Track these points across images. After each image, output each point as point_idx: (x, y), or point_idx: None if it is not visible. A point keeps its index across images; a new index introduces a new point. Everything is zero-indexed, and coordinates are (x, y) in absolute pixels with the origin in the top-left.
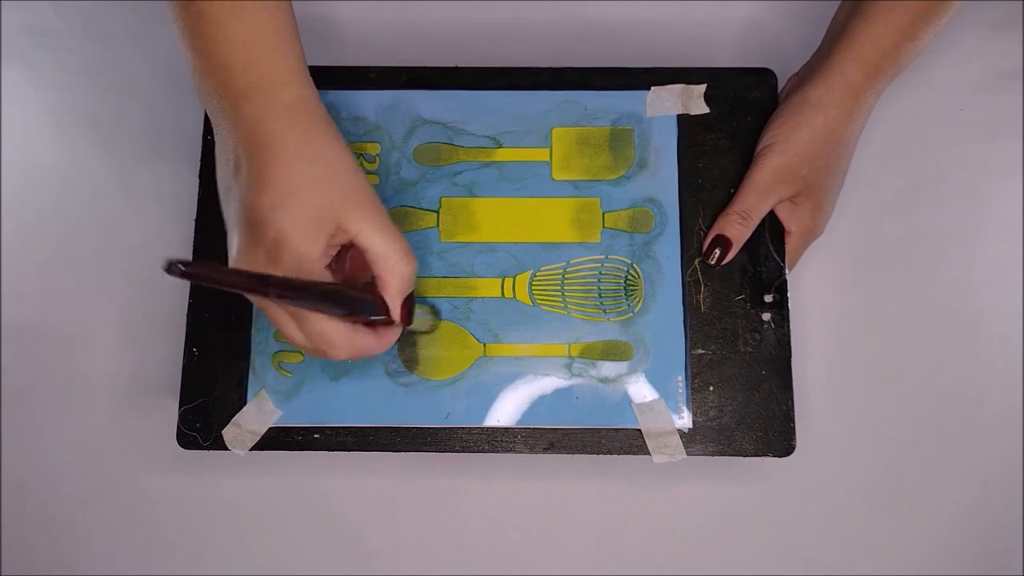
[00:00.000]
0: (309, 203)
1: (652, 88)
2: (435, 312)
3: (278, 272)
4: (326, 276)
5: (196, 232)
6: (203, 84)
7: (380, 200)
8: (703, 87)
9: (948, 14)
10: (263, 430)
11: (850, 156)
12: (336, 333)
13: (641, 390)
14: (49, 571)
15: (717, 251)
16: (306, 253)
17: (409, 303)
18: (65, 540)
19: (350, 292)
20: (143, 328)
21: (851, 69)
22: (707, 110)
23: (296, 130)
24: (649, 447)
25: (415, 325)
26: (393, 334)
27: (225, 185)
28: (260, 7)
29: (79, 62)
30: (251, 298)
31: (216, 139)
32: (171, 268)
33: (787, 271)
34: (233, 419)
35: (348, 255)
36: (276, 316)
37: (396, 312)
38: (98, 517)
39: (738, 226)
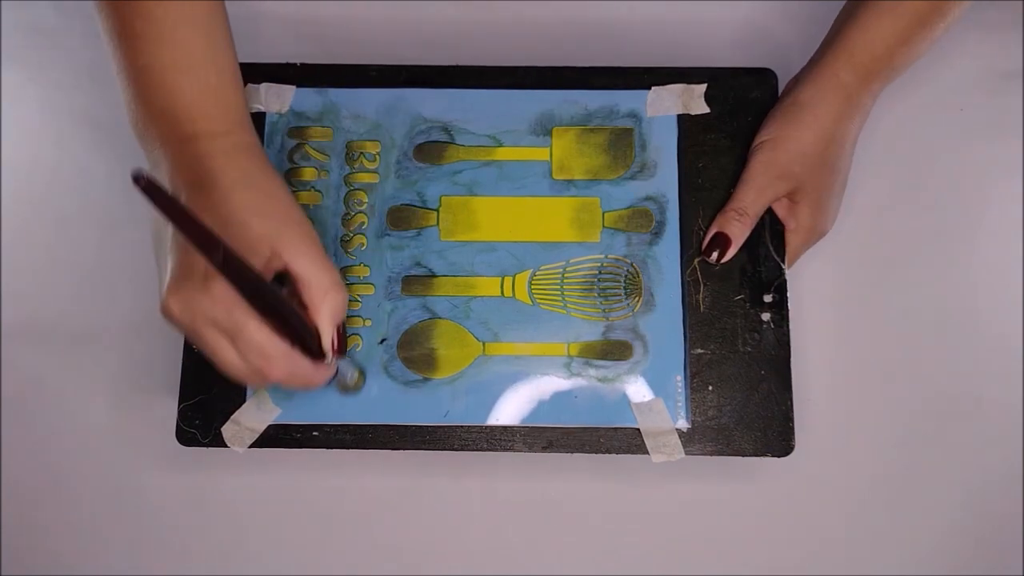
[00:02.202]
0: (245, 229)
1: (652, 88)
2: (363, 371)
3: (208, 302)
4: None
5: None
6: (146, 130)
7: (316, 232)
8: (703, 87)
9: (946, 21)
10: (262, 428)
11: (849, 156)
12: (273, 346)
13: (640, 390)
14: (49, 570)
15: (716, 250)
16: None
17: (341, 335)
18: (64, 538)
19: (288, 301)
20: (143, 326)
21: (843, 71)
22: (707, 110)
23: (235, 165)
24: (648, 446)
25: (343, 378)
26: (327, 368)
27: (159, 223)
28: (206, 64)
29: (79, 62)
30: (186, 333)
31: None
32: (137, 178)
33: (786, 268)
34: (232, 416)
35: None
36: (210, 338)
37: (327, 340)
38: (97, 514)
39: (736, 223)
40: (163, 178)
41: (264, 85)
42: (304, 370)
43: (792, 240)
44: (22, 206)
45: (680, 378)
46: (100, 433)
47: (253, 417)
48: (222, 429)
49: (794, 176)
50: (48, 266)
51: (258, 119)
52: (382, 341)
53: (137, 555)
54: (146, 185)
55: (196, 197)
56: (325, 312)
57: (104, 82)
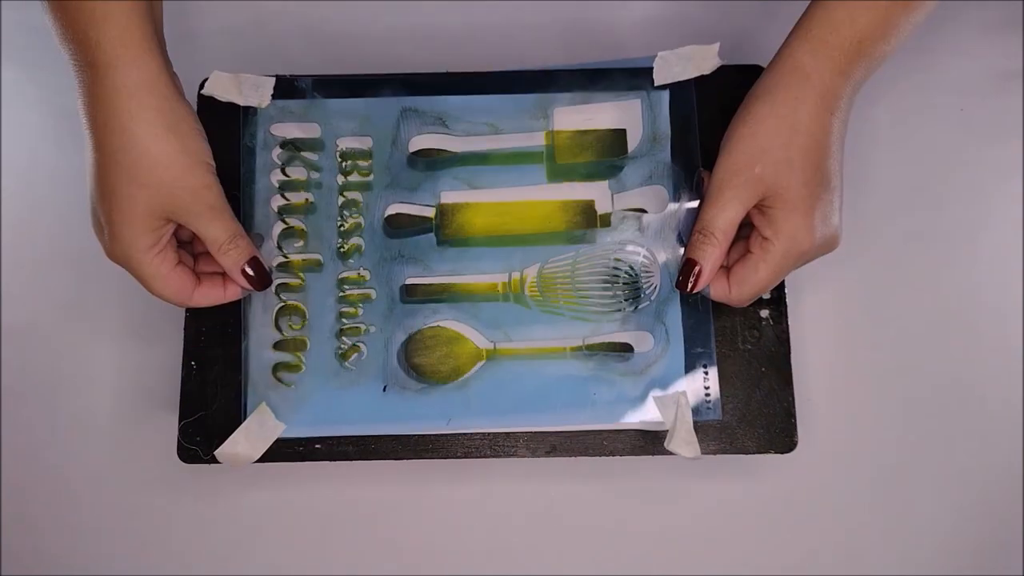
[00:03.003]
0: (133, 198)
1: (659, 54)
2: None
3: (116, 258)
4: (156, 263)
5: None
6: (62, 48)
7: (214, 186)
8: (716, 45)
9: (918, 13)
10: (265, 447)
11: (829, 152)
12: (181, 297)
13: (641, 389)
14: None
15: (692, 279)
16: (134, 246)
17: (259, 266)
18: (66, 556)
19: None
20: (143, 328)
21: (800, 51)
22: (720, 63)
23: (120, 123)
24: (670, 442)
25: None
26: (236, 290)
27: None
28: None
29: None
30: None
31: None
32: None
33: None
34: (233, 436)
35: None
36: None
37: (239, 280)
38: (99, 531)
39: (701, 246)
40: (79, 103)
41: (241, 76)
42: (219, 298)
43: (769, 249)
44: (22, 206)
45: (681, 377)
46: (101, 450)
47: (256, 436)
48: (223, 451)
49: (757, 179)
50: (48, 266)
51: (233, 113)
52: (384, 388)
53: (139, 572)
54: None
55: (93, 151)
56: (227, 263)
57: None
